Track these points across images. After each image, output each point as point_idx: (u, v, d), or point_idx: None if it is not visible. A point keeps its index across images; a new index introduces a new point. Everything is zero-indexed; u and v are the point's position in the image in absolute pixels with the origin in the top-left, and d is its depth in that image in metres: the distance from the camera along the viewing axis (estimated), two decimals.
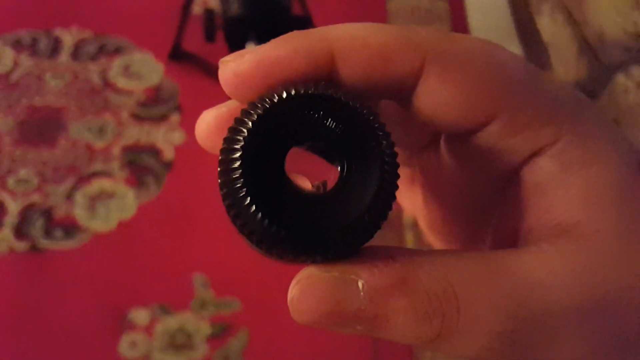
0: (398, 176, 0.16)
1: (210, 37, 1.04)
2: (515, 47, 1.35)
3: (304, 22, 1.00)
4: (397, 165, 0.16)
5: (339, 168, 0.16)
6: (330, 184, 0.16)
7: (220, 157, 0.16)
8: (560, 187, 0.17)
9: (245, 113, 0.16)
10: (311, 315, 0.16)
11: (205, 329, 1.01)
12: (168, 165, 1.17)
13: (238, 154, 0.15)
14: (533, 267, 0.16)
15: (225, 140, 0.16)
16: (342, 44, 0.17)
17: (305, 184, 0.17)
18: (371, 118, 0.16)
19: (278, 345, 1.00)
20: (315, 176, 0.17)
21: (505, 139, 0.17)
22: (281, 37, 0.17)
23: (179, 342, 1.00)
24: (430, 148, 0.22)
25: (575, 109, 0.18)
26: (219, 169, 0.16)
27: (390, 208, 0.16)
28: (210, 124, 0.19)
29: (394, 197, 0.16)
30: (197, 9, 1.30)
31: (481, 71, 0.17)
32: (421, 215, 0.25)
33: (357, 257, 0.16)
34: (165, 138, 1.20)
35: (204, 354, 0.99)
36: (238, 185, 0.15)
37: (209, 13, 1.05)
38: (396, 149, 0.17)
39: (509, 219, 0.19)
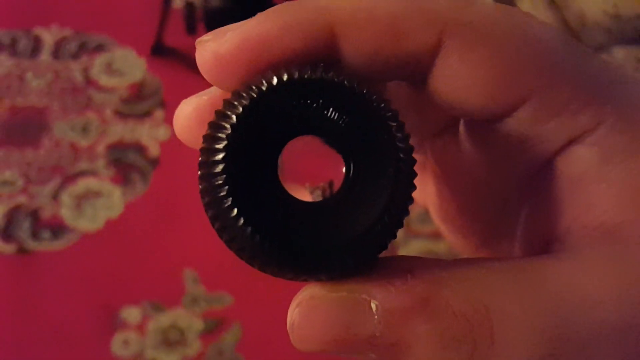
0: (415, 175, 0.14)
1: (191, 29, 1.03)
2: None
3: None
4: (414, 162, 0.14)
5: (345, 168, 0.14)
6: (336, 187, 0.14)
7: (200, 159, 0.14)
8: (603, 180, 0.15)
9: (229, 105, 0.14)
10: (316, 343, 0.14)
11: (197, 324, 1.01)
12: (154, 162, 1.16)
13: (221, 156, 0.13)
14: (574, 278, 0.14)
15: (206, 138, 0.14)
16: (343, 16, 0.14)
17: (303, 195, 0.14)
18: (381, 106, 0.14)
19: (272, 338, 1.00)
20: (314, 178, 0.15)
21: (538, 125, 0.15)
22: (270, 9, 0.14)
23: (172, 339, 1.00)
24: (445, 133, 0.19)
25: (620, 88, 0.15)
26: (199, 172, 0.14)
27: (407, 213, 0.14)
28: (190, 116, 0.16)
29: (411, 200, 0.14)
30: (177, 2, 1.28)
31: (510, 46, 0.14)
32: (433, 205, 0.22)
33: (369, 273, 0.14)
34: (150, 134, 1.19)
35: (197, 349, 0.99)
36: (222, 193, 0.13)
37: (189, 5, 1.04)
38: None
39: (541, 218, 0.16)
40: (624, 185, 0.14)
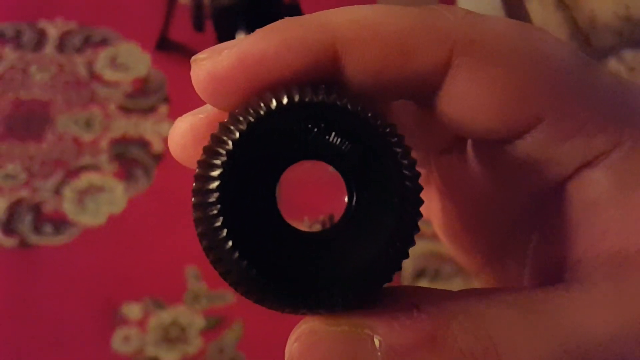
0: (422, 202, 0.13)
1: (199, 27, 1.03)
2: None
3: (297, 11, 0.98)
4: (420, 189, 0.13)
5: (347, 196, 0.13)
6: (337, 218, 0.13)
7: (194, 186, 0.13)
8: (618, 206, 0.14)
9: (225, 129, 0.13)
10: None
11: (199, 322, 1.01)
12: (157, 158, 1.16)
13: (215, 184, 0.12)
14: (587, 313, 0.13)
15: (200, 164, 0.13)
16: (347, 33, 0.13)
17: (302, 227, 0.14)
18: (387, 131, 0.13)
19: (273, 336, 0.99)
20: (313, 209, 0.14)
21: (551, 147, 0.14)
22: (269, 26, 0.14)
23: (173, 335, 1.00)
24: (452, 150, 0.19)
25: (637, 109, 0.14)
26: (192, 200, 0.13)
27: (413, 243, 0.13)
28: (185, 135, 0.15)
29: (418, 229, 0.13)
30: None
31: (522, 65, 0.14)
32: (437, 220, 0.21)
33: (372, 305, 0.13)
34: (154, 130, 1.19)
35: (198, 347, 0.99)
36: (216, 224, 0.12)
37: (197, 2, 1.04)
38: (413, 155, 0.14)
39: (553, 244, 0.15)
40: None
